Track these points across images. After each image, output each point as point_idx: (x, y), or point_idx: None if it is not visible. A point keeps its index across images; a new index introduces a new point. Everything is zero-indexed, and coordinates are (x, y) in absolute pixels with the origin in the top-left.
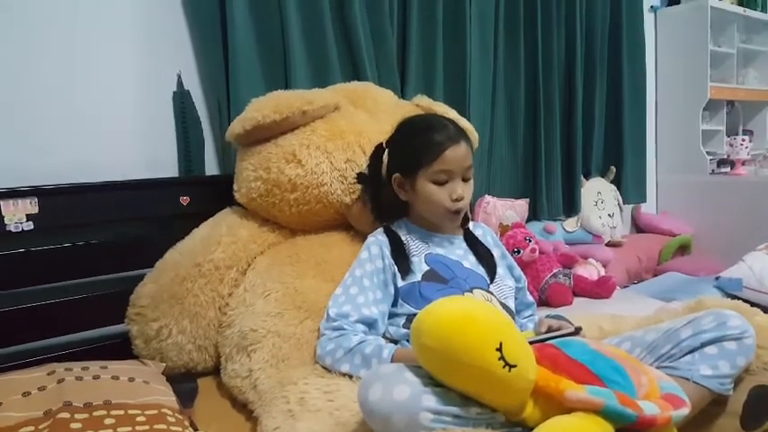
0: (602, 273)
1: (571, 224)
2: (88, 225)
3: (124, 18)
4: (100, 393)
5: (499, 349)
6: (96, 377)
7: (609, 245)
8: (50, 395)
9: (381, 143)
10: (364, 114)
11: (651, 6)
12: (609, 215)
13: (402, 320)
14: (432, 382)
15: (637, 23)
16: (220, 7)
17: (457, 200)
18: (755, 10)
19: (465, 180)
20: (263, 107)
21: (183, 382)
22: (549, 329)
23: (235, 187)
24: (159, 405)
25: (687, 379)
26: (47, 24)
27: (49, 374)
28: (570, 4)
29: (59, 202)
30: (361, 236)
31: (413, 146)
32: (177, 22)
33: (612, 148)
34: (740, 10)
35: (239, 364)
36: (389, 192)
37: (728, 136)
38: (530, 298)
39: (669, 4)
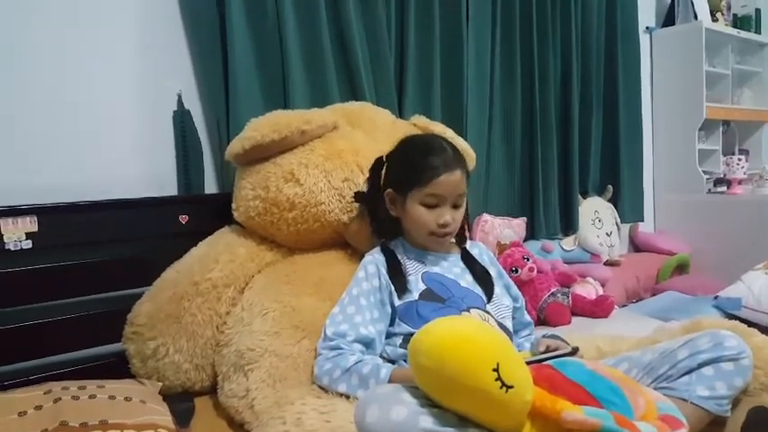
0: (601, 292)
1: (569, 243)
2: (87, 243)
3: (125, 37)
4: (96, 413)
5: (496, 370)
6: (93, 396)
7: (607, 264)
8: (47, 414)
9: (381, 156)
10: (362, 134)
11: (646, 27)
12: (606, 234)
13: (399, 340)
14: (429, 402)
15: (632, 44)
16: (220, 27)
17: (443, 225)
18: (749, 31)
19: (455, 207)
20: (261, 127)
21: (180, 402)
22: (547, 349)
23: (233, 206)
24: (155, 425)
25: (684, 400)
26: (47, 43)
27: (45, 393)
28: (566, 26)
29: (58, 221)
30: (358, 254)
31: (409, 165)
32: (177, 42)
33: (609, 167)
34: (734, 32)
35: (236, 384)
36: (386, 208)
37: (725, 155)
38: (527, 317)
39: (664, 26)
